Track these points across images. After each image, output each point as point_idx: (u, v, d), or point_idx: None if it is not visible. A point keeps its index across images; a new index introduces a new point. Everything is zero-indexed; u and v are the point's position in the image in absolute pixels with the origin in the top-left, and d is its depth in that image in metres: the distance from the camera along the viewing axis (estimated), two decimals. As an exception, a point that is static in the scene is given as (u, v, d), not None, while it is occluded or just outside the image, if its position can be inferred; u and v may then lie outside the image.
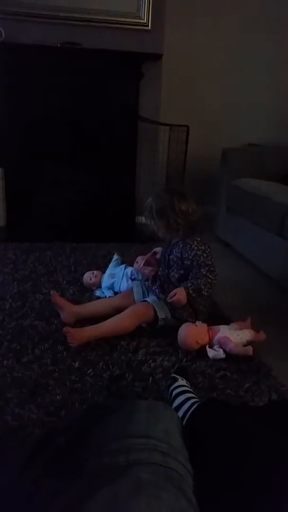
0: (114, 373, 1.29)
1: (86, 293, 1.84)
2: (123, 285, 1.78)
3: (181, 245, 1.55)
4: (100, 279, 1.87)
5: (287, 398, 1.24)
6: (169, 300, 1.46)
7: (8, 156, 2.61)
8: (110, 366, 1.32)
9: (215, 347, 1.42)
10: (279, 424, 0.85)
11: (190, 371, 1.30)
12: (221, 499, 0.62)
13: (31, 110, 2.54)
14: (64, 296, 1.73)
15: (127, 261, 1.91)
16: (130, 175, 2.80)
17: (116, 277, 1.82)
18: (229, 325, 1.49)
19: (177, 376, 1.17)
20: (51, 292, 1.58)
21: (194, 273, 1.51)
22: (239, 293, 1.99)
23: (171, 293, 1.46)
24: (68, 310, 1.54)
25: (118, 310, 1.54)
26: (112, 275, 1.83)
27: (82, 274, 1.94)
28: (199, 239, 1.54)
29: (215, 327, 1.47)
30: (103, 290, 1.82)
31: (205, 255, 1.51)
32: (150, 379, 1.27)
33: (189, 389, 1.11)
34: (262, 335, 1.46)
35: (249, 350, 1.38)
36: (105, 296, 1.77)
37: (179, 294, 1.45)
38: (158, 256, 1.71)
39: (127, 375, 1.28)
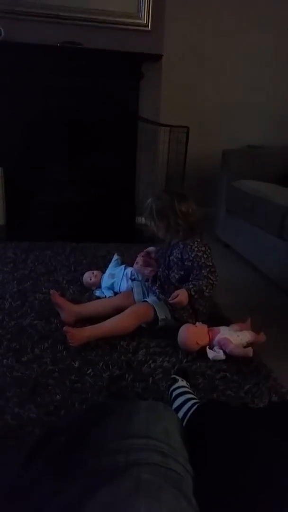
0: (114, 373, 1.29)
1: (86, 293, 1.84)
2: (123, 285, 1.78)
3: (181, 246, 1.55)
4: (100, 279, 1.87)
5: (287, 399, 1.24)
6: (171, 301, 1.46)
7: (8, 155, 2.61)
8: (110, 366, 1.32)
9: (215, 348, 1.41)
10: (279, 426, 0.85)
11: (190, 372, 1.30)
12: (221, 500, 0.62)
13: (31, 109, 2.54)
14: (64, 295, 1.73)
15: (127, 262, 1.91)
16: (130, 176, 2.80)
17: (116, 277, 1.81)
18: (229, 326, 1.49)
19: (177, 377, 1.17)
20: (51, 291, 1.58)
21: (195, 274, 1.51)
22: (239, 294, 1.99)
23: (173, 294, 1.46)
24: (68, 309, 1.54)
25: (118, 310, 1.53)
26: (112, 275, 1.83)
27: (82, 274, 1.94)
28: (199, 240, 1.54)
29: (215, 328, 1.46)
30: (103, 290, 1.82)
31: (205, 256, 1.51)
32: (150, 379, 1.27)
33: (189, 390, 1.11)
34: (262, 337, 1.46)
35: (249, 351, 1.38)
36: (105, 296, 1.77)
37: (181, 296, 1.44)
38: (153, 255, 1.70)
39: (127, 375, 1.28)
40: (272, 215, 2.02)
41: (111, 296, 1.75)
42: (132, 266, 1.82)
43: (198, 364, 1.36)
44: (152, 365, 1.34)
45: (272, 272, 2.07)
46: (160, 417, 0.70)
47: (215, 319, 1.59)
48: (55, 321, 1.56)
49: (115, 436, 0.62)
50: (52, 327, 1.53)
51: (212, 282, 1.49)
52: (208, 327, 1.47)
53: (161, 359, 1.38)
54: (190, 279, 1.52)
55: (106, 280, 1.84)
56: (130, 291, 1.67)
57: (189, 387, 1.14)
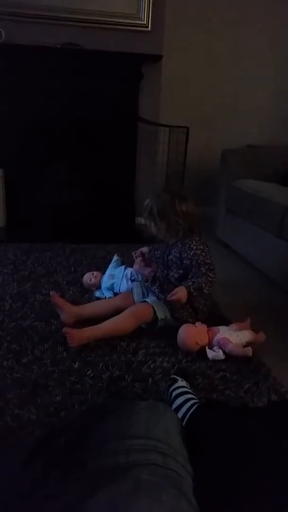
0: (113, 374, 1.29)
1: (86, 294, 1.84)
2: (123, 286, 1.78)
3: (179, 245, 1.55)
4: (100, 280, 1.87)
5: (287, 399, 1.24)
6: (170, 299, 1.46)
7: (8, 157, 2.61)
8: (110, 367, 1.32)
9: (214, 348, 1.42)
10: (279, 425, 0.85)
11: (190, 372, 1.30)
12: (221, 500, 0.62)
13: (31, 111, 2.55)
14: (64, 297, 1.73)
15: (127, 262, 1.91)
16: (130, 176, 2.81)
17: (116, 278, 1.82)
18: (228, 326, 1.49)
19: (177, 377, 1.17)
20: (51, 292, 1.58)
21: (193, 272, 1.51)
22: (239, 294, 1.99)
23: (172, 292, 1.47)
24: (68, 310, 1.54)
25: (117, 311, 1.54)
26: (112, 276, 1.83)
27: (82, 275, 1.94)
28: (197, 238, 1.54)
29: (215, 328, 1.47)
30: (103, 291, 1.82)
31: (204, 254, 1.52)
32: (150, 380, 1.27)
33: (188, 390, 1.11)
34: (262, 336, 1.46)
35: (249, 351, 1.38)
36: (105, 297, 1.77)
37: (180, 293, 1.44)
38: (146, 256, 1.71)
39: (126, 376, 1.28)
40: (271, 214, 2.02)
41: (111, 297, 1.75)
42: (132, 266, 1.82)
43: (198, 364, 1.36)
44: (151, 366, 1.34)
45: (272, 271, 2.08)
46: (160, 417, 0.70)
47: (215, 319, 1.59)
48: (55, 322, 1.56)
49: (115, 437, 0.62)
50: (52, 329, 1.53)
51: (211, 280, 1.50)
52: (207, 327, 1.47)
53: (160, 359, 1.38)
54: (189, 277, 1.52)
55: (106, 281, 1.84)
56: (130, 292, 1.67)
57: (188, 387, 1.14)
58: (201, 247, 1.53)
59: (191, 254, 1.51)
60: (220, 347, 1.41)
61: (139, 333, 1.51)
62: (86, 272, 1.94)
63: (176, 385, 1.12)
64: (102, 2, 2.54)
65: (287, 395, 1.25)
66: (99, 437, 0.63)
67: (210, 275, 1.49)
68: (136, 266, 1.76)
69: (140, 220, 2.65)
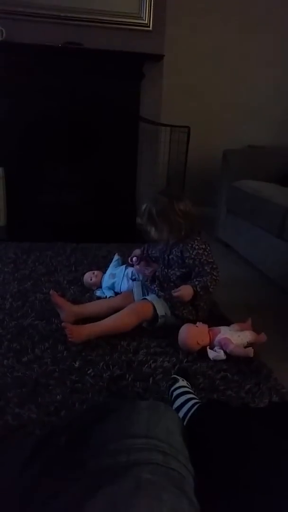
0: (114, 373, 1.29)
1: (87, 293, 1.84)
2: (124, 285, 1.78)
3: (181, 245, 1.56)
4: (101, 279, 1.87)
5: (288, 399, 1.24)
6: (175, 294, 1.46)
7: (9, 156, 2.61)
8: (111, 366, 1.32)
9: (215, 348, 1.41)
10: (280, 426, 0.85)
11: (191, 372, 1.30)
12: (222, 499, 0.62)
13: (32, 110, 2.55)
14: (65, 296, 1.73)
15: (128, 262, 1.91)
16: (131, 176, 2.81)
17: (117, 278, 1.82)
18: (229, 326, 1.49)
19: (178, 377, 1.17)
20: (51, 292, 1.58)
21: (197, 271, 1.52)
22: (240, 294, 1.99)
23: (178, 288, 1.47)
24: (68, 309, 1.54)
25: (118, 311, 1.53)
26: (113, 275, 1.83)
27: (83, 274, 1.94)
28: (198, 238, 1.55)
29: (216, 328, 1.46)
30: (104, 290, 1.82)
31: (206, 253, 1.53)
32: (151, 379, 1.27)
33: (189, 390, 1.11)
34: (263, 337, 1.46)
35: (250, 351, 1.37)
36: (106, 296, 1.77)
37: (184, 290, 1.45)
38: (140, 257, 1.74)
39: (127, 375, 1.28)
40: (272, 215, 2.02)
41: (112, 296, 1.75)
42: (133, 266, 1.82)
43: (199, 364, 1.36)
44: (152, 365, 1.34)
45: (272, 271, 2.07)
46: (161, 417, 0.69)
47: (216, 319, 1.59)
48: (56, 321, 1.56)
49: (116, 436, 0.62)
50: (52, 327, 1.53)
51: (215, 278, 1.50)
52: (208, 327, 1.47)
53: (161, 359, 1.38)
54: (192, 277, 1.53)
55: (106, 280, 1.84)
56: (131, 291, 1.67)
57: (189, 387, 1.14)
58: (203, 246, 1.53)
59: (193, 253, 1.52)
60: (221, 347, 1.40)
61: (140, 332, 1.51)
62: (86, 271, 1.94)
63: (177, 385, 1.12)
64: (103, 1, 2.53)
65: (288, 396, 1.25)
66: (100, 437, 0.62)
67: (214, 273, 1.50)
68: (137, 266, 1.77)
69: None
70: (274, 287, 2.05)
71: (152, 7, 2.58)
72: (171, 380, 1.17)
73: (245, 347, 1.41)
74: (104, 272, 1.89)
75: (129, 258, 1.78)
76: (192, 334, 1.43)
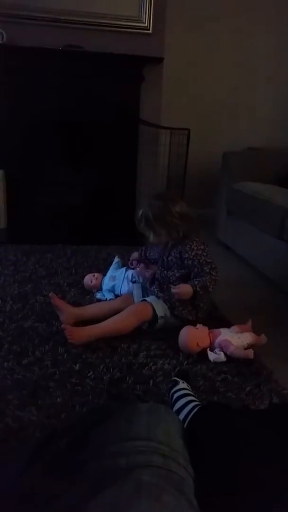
0: (114, 376, 1.29)
1: (87, 295, 1.84)
2: (124, 287, 1.78)
3: (180, 246, 1.56)
4: (101, 281, 1.87)
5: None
6: (174, 291, 1.46)
7: (9, 158, 2.62)
8: (111, 369, 1.32)
9: (216, 350, 1.41)
10: (280, 428, 0.85)
11: (191, 374, 1.30)
12: (222, 502, 0.62)
13: (32, 112, 2.55)
14: (65, 298, 1.73)
15: (128, 264, 1.91)
16: (131, 178, 2.81)
17: (117, 280, 1.82)
18: (230, 328, 1.49)
19: (178, 379, 1.17)
20: (50, 294, 1.58)
21: (196, 272, 1.53)
22: (240, 296, 1.99)
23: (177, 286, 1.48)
24: (68, 312, 1.54)
25: (118, 313, 1.53)
26: (113, 278, 1.83)
27: (83, 277, 1.94)
28: (197, 239, 1.55)
29: (216, 330, 1.46)
30: (104, 293, 1.82)
31: (205, 254, 1.54)
32: (151, 382, 1.27)
33: (190, 392, 1.11)
34: (263, 338, 1.46)
35: (250, 353, 1.37)
36: (106, 299, 1.77)
37: (183, 288, 1.46)
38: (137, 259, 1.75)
39: (127, 378, 1.28)
40: (272, 216, 2.02)
41: (112, 299, 1.75)
42: (133, 268, 1.82)
43: (199, 366, 1.36)
44: (153, 368, 1.34)
45: (273, 273, 2.08)
46: (161, 419, 0.69)
47: (216, 321, 1.59)
48: (56, 323, 1.56)
49: (116, 439, 0.62)
50: (53, 330, 1.53)
51: (214, 278, 1.51)
52: (209, 329, 1.47)
53: (161, 361, 1.38)
54: (192, 277, 1.53)
55: (107, 282, 1.84)
56: (131, 293, 1.67)
57: (190, 389, 1.14)
58: (202, 247, 1.54)
59: (192, 254, 1.52)
60: (222, 349, 1.41)
61: (140, 334, 1.51)
62: (87, 274, 1.94)
63: (177, 387, 1.12)
64: (104, 5, 2.54)
65: (288, 398, 1.25)
66: (100, 439, 0.62)
67: (213, 273, 1.51)
68: (137, 268, 1.77)
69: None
70: (274, 288, 2.05)
71: (152, 10, 2.58)
72: (172, 383, 1.17)
73: (246, 348, 1.41)
74: (104, 275, 1.89)
75: (129, 262, 1.79)
76: (192, 336, 1.43)
